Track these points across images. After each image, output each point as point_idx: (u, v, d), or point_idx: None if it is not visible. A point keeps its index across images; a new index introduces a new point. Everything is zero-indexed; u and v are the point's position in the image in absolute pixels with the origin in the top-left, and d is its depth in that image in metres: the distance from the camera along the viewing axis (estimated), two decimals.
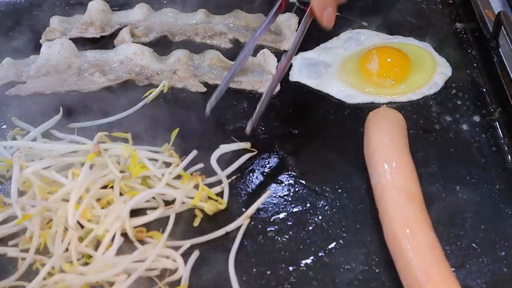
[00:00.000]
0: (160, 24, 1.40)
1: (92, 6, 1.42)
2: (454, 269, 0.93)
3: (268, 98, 1.09)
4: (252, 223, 1.01)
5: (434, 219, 0.99)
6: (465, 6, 1.40)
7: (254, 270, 0.95)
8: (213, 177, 1.06)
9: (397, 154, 1.00)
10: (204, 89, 1.25)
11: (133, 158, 1.01)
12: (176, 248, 0.96)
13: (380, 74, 1.23)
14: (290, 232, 1.00)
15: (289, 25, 1.36)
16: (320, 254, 0.97)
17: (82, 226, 0.97)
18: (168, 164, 1.06)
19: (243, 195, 1.06)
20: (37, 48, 1.33)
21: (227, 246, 0.97)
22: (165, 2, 1.47)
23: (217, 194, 1.03)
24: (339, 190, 1.06)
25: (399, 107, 1.20)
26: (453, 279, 0.85)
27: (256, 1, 1.44)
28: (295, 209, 1.03)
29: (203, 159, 1.08)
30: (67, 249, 0.94)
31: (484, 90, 1.22)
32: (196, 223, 1.00)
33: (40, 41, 1.37)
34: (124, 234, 0.96)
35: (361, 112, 1.18)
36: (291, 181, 1.08)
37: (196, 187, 1.01)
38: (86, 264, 0.94)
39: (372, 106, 1.18)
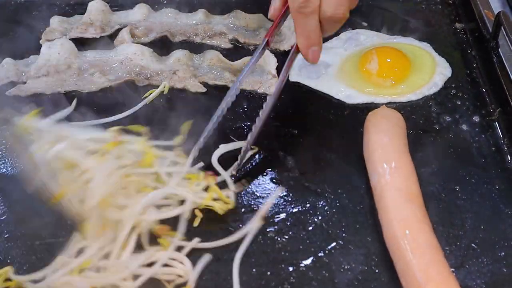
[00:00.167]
0: (160, 24, 1.40)
1: (92, 7, 1.42)
2: (453, 269, 0.94)
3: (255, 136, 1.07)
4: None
5: (433, 219, 0.99)
6: (464, 6, 1.40)
7: (254, 270, 0.95)
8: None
9: (397, 155, 1.00)
10: (204, 90, 1.25)
11: (148, 155, 1.02)
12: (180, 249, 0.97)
13: (379, 74, 1.23)
14: (290, 233, 1.00)
15: (289, 26, 1.36)
16: (319, 254, 0.97)
17: None
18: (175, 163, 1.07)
19: (243, 195, 1.06)
20: (37, 49, 1.33)
21: (230, 247, 0.97)
22: (165, 2, 1.47)
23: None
24: (339, 190, 1.06)
25: (399, 107, 1.20)
26: (452, 279, 0.86)
27: (256, 2, 1.44)
28: (294, 210, 1.03)
29: (203, 160, 1.08)
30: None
31: (484, 90, 1.23)
32: (196, 223, 1.00)
33: (40, 41, 1.37)
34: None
35: (360, 112, 1.18)
36: (291, 181, 1.08)
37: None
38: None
39: (372, 106, 1.18)
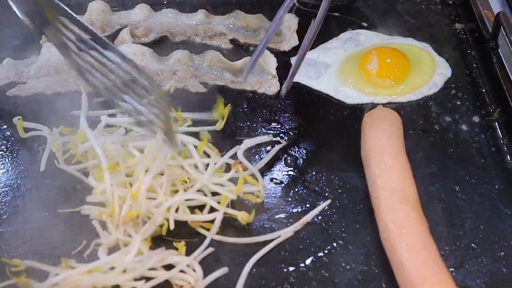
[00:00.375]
0: (160, 24, 1.40)
1: (92, 7, 1.42)
2: (453, 269, 0.94)
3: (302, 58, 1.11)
4: (252, 223, 1.01)
5: (433, 219, 0.99)
6: (464, 7, 1.40)
7: (254, 270, 0.95)
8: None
9: (392, 156, 1.00)
10: (204, 90, 1.25)
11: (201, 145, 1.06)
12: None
13: (379, 74, 1.23)
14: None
15: (289, 26, 1.37)
16: (319, 254, 0.97)
17: None
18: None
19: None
20: (37, 49, 1.33)
21: (243, 250, 0.98)
22: (165, 2, 1.47)
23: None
24: (339, 191, 1.06)
25: (399, 107, 1.20)
26: (448, 279, 0.86)
27: (256, 2, 1.44)
28: (294, 210, 1.03)
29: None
30: None
31: (484, 90, 1.23)
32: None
33: (41, 41, 1.37)
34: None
35: (360, 112, 1.18)
36: (291, 182, 1.08)
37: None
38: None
39: (372, 107, 1.18)
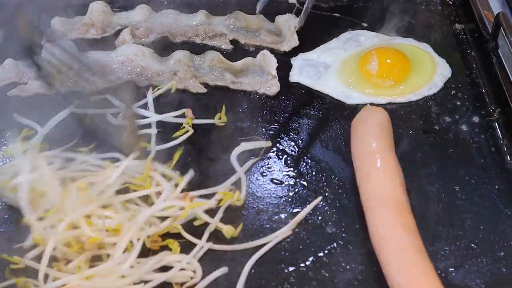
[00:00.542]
0: (161, 25, 1.40)
1: (93, 7, 1.42)
2: (453, 269, 0.94)
3: None
4: (252, 223, 1.02)
5: (433, 220, 1.00)
6: (464, 7, 1.40)
7: (254, 270, 0.95)
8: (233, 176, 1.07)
9: (375, 159, 1.00)
10: (204, 90, 1.25)
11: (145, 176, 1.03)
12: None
13: (379, 75, 1.23)
14: (290, 232, 1.00)
15: (289, 26, 1.37)
16: (319, 254, 0.97)
17: None
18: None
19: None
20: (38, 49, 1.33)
21: (243, 250, 0.98)
22: (165, 3, 1.47)
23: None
24: (339, 191, 1.06)
25: (399, 107, 1.20)
26: (432, 279, 0.85)
27: (256, 2, 1.44)
28: (295, 210, 1.04)
29: (204, 159, 1.09)
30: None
31: (484, 91, 1.23)
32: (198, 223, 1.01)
33: (42, 42, 1.37)
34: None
35: None
36: (291, 182, 1.08)
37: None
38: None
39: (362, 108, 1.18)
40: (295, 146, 1.14)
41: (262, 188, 1.07)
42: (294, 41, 1.34)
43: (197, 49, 1.35)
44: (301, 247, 0.98)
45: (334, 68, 1.28)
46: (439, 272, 0.92)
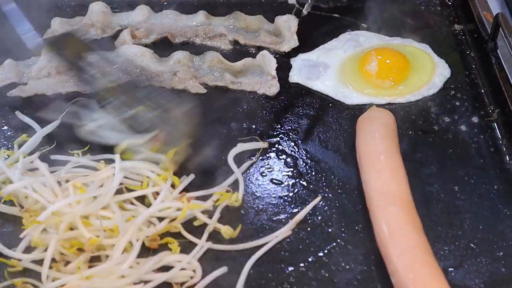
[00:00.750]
0: (161, 25, 1.40)
1: (93, 8, 1.42)
2: (452, 269, 0.94)
3: None
4: (252, 224, 1.02)
5: (432, 220, 1.00)
6: (463, 8, 1.40)
7: (253, 270, 0.96)
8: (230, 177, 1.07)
9: (382, 158, 1.01)
10: (204, 91, 1.26)
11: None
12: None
13: (379, 75, 1.23)
14: (290, 232, 1.00)
15: (288, 27, 1.37)
16: (319, 254, 0.97)
17: None
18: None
19: (243, 195, 1.06)
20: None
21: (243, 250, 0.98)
22: (165, 4, 1.48)
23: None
24: (339, 191, 1.06)
25: (398, 108, 1.21)
26: (440, 279, 0.86)
27: (256, 3, 1.45)
28: (294, 210, 1.04)
29: (204, 159, 1.09)
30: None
31: (483, 91, 1.23)
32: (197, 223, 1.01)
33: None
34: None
35: (360, 113, 1.18)
36: (291, 182, 1.08)
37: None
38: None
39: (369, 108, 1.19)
40: (294, 146, 1.15)
41: (262, 188, 1.08)
42: (293, 42, 1.34)
43: (197, 49, 1.35)
44: (300, 247, 0.98)
45: (334, 69, 1.28)
46: None
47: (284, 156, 1.13)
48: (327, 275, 0.95)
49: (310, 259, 0.97)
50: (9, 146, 1.16)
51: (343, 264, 0.96)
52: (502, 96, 1.17)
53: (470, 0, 1.38)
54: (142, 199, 1.03)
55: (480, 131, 1.16)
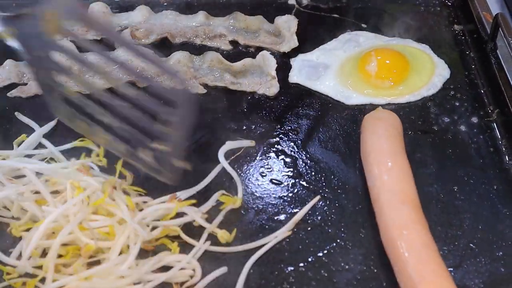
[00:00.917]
0: (161, 26, 1.40)
1: (93, 8, 1.42)
2: (451, 269, 0.94)
3: None
4: (252, 224, 1.02)
5: (432, 220, 1.00)
6: (463, 8, 1.40)
7: (253, 270, 0.96)
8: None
9: (392, 157, 1.01)
10: (204, 91, 1.26)
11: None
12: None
13: (378, 75, 1.23)
14: (289, 233, 1.01)
15: (288, 27, 1.37)
16: (319, 254, 0.98)
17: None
18: None
19: (243, 195, 1.06)
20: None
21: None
22: (165, 4, 1.48)
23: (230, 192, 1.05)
24: (338, 191, 1.06)
25: (398, 108, 1.21)
26: (447, 278, 0.86)
27: (256, 4, 1.45)
28: (294, 210, 1.04)
29: (203, 160, 1.10)
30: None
31: (482, 91, 1.23)
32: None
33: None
34: None
35: (359, 113, 1.19)
36: (291, 182, 1.09)
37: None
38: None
39: (371, 108, 1.19)
40: (294, 147, 1.15)
41: (262, 188, 1.08)
42: (293, 42, 1.34)
43: (197, 50, 1.35)
44: (300, 247, 0.99)
45: (333, 69, 1.28)
46: None
47: (283, 156, 1.13)
48: (326, 275, 0.95)
49: (309, 259, 0.97)
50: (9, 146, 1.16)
51: (342, 264, 0.96)
52: (502, 96, 1.18)
53: (469, 1, 1.38)
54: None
55: (479, 131, 1.16)
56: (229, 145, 1.12)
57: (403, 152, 1.03)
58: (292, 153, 1.14)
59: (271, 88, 1.25)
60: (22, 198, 1.00)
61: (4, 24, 0.97)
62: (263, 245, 0.98)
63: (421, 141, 1.15)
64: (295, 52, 1.33)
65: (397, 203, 0.94)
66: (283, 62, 1.31)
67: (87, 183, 1.01)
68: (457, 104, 1.22)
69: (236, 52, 1.35)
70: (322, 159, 1.12)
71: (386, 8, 1.43)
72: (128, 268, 0.93)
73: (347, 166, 1.10)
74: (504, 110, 1.16)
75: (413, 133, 1.16)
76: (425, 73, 1.26)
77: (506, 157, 1.11)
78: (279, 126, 1.19)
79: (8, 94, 1.26)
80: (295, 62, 1.31)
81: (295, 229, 1.01)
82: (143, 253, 0.96)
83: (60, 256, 0.95)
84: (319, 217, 1.03)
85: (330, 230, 1.01)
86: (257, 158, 1.12)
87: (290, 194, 1.07)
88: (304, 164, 1.12)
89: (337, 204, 1.04)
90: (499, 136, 1.14)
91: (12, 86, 1.28)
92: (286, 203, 1.05)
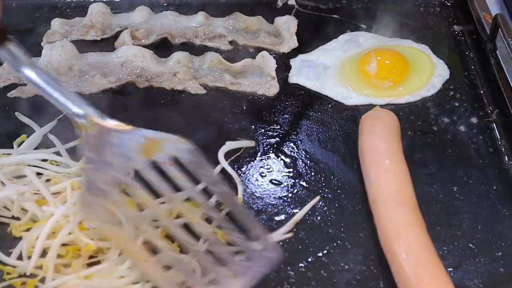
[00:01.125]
0: (160, 26, 1.41)
1: (93, 9, 1.42)
2: (451, 269, 0.95)
3: None
4: None
5: (431, 220, 1.00)
6: (462, 9, 1.41)
7: None
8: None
9: (389, 157, 1.01)
10: (204, 91, 1.26)
11: None
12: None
13: (378, 76, 1.24)
14: (289, 233, 1.01)
15: (288, 28, 1.37)
16: (318, 254, 0.98)
17: None
18: None
19: (243, 196, 1.06)
20: (38, 51, 1.34)
21: None
22: (165, 5, 1.48)
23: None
24: (338, 191, 1.07)
25: (397, 108, 1.21)
26: (445, 279, 0.86)
27: (255, 4, 1.45)
28: (294, 210, 1.04)
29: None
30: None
31: (482, 92, 1.24)
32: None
33: (42, 43, 1.37)
34: None
35: (359, 113, 1.19)
36: (290, 182, 1.09)
37: None
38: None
39: (370, 108, 1.18)
40: (294, 147, 1.15)
41: (261, 188, 1.08)
42: (293, 43, 1.35)
43: (197, 50, 1.35)
44: (300, 247, 0.99)
45: (333, 69, 1.28)
46: None
47: (283, 157, 1.13)
48: (326, 275, 0.95)
49: (309, 259, 0.97)
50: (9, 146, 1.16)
51: (342, 264, 0.96)
52: (501, 96, 1.18)
53: (469, 1, 1.38)
54: None
55: (479, 132, 1.16)
56: (229, 145, 1.12)
57: (401, 152, 1.03)
58: (292, 153, 1.14)
59: (271, 88, 1.25)
60: (23, 198, 0.99)
61: None
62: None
63: (421, 141, 1.15)
64: (294, 52, 1.33)
65: (394, 204, 0.94)
66: (283, 63, 1.31)
67: None
68: (457, 105, 1.22)
69: (236, 53, 1.35)
70: (322, 159, 1.12)
71: (385, 8, 1.44)
72: (127, 268, 0.92)
73: (347, 166, 1.10)
74: (503, 110, 1.17)
75: (412, 134, 1.16)
76: (425, 73, 1.26)
77: (506, 157, 1.11)
78: (279, 127, 1.19)
79: (8, 95, 1.26)
80: (295, 62, 1.31)
81: (295, 230, 1.01)
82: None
83: (60, 256, 0.95)
84: (319, 217, 1.03)
85: (330, 231, 1.01)
86: (257, 158, 1.12)
87: (290, 195, 1.07)
88: (304, 165, 1.12)
89: (337, 205, 1.05)
90: (499, 137, 1.15)
91: (12, 86, 1.28)
92: (286, 204, 1.05)
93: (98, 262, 0.95)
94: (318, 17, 1.43)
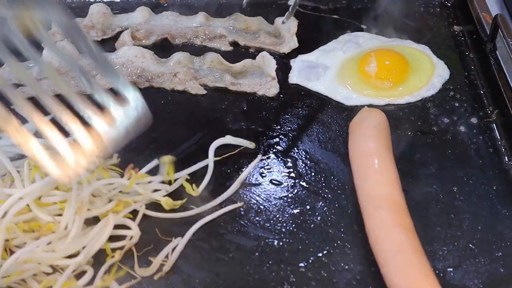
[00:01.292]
0: (161, 27, 1.41)
1: (93, 10, 1.42)
2: (451, 269, 0.95)
3: None
4: (252, 224, 1.02)
5: (431, 220, 1.00)
6: (462, 9, 1.41)
7: (253, 270, 0.96)
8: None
9: (373, 160, 1.01)
10: (204, 92, 1.26)
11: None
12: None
13: (378, 76, 1.24)
14: (289, 233, 1.01)
15: (288, 28, 1.37)
16: (318, 254, 0.98)
17: None
18: None
19: (243, 195, 1.06)
20: (39, 51, 1.33)
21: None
22: (165, 5, 1.48)
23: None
24: (338, 192, 1.07)
25: (397, 109, 1.21)
26: (432, 281, 0.86)
27: (255, 4, 1.45)
28: (294, 210, 1.04)
29: (203, 160, 1.10)
30: None
31: (482, 92, 1.24)
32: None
33: (42, 44, 1.37)
34: None
35: None
36: (290, 183, 1.09)
37: None
38: None
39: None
40: (294, 147, 1.15)
41: (261, 188, 1.08)
42: (293, 43, 1.35)
43: (197, 50, 1.36)
44: (300, 247, 0.99)
45: (333, 70, 1.28)
46: (437, 272, 0.93)
47: (283, 157, 1.13)
48: (326, 275, 0.95)
49: (309, 260, 0.97)
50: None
51: (342, 265, 0.96)
52: (501, 97, 1.18)
53: (469, 1, 1.38)
54: None
55: (479, 132, 1.16)
56: (228, 139, 1.12)
57: (386, 151, 1.02)
58: (292, 153, 1.14)
59: (271, 88, 1.25)
60: None
61: None
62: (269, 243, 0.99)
63: (421, 141, 1.15)
64: (295, 53, 1.34)
65: (374, 208, 0.95)
66: (283, 63, 1.31)
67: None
68: (457, 105, 1.22)
69: (236, 53, 1.35)
70: (322, 159, 1.12)
71: (385, 9, 1.43)
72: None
73: (347, 166, 1.10)
74: (503, 111, 1.17)
75: (412, 134, 1.16)
76: (425, 74, 1.26)
77: (506, 157, 1.11)
78: (279, 127, 1.19)
79: None
80: (295, 63, 1.32)
81: (295, 230, 1.01)
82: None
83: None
84: (319, 218, 1.03)
85: (330, 231, 1.01)
86: (257, 158, 1.12)
87: (290, 195, 1.07)
88: (304, 165, 1.12)
89: (336, 205, 1.05)
90: (499, 137, 1.15)
91: (13, 87, 1.28)
92: (286, 204, 1.05)
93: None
94: (318, 17, 1.43)
